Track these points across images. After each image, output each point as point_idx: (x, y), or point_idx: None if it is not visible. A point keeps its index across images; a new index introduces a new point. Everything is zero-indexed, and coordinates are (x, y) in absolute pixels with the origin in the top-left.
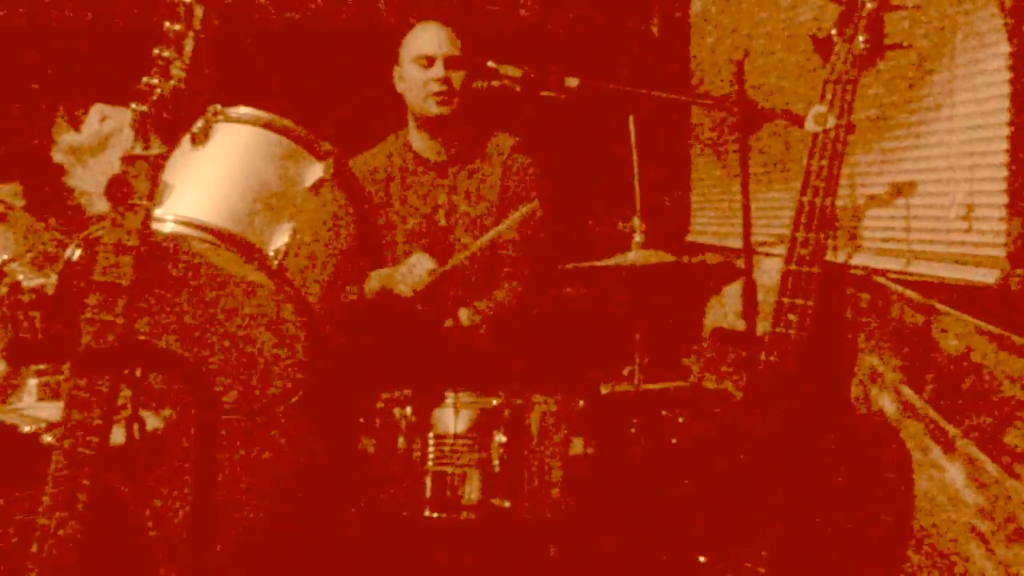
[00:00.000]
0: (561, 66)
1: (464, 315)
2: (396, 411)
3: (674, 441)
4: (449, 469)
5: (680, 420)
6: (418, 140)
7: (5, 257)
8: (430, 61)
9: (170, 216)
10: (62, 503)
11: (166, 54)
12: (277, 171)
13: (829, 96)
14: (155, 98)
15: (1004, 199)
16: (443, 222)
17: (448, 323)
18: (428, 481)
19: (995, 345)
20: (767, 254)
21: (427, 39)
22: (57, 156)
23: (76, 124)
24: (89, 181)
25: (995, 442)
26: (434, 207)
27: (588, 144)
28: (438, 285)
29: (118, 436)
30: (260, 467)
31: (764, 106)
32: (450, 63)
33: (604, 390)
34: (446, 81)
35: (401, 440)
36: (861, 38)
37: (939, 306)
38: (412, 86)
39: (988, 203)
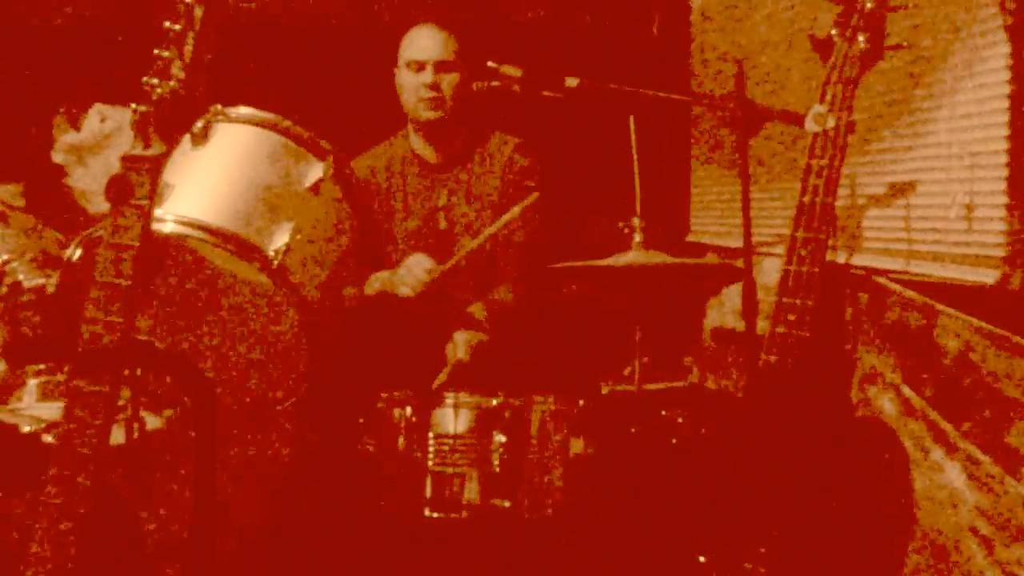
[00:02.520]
0: (561, 66)
1: (462, 344)
2: (396, 411)
3: (674, 441)
4: (449, 469)
5: (680, 420)
6: (417, 142)
7: (5, 257)
8: (420, 66)
9: (170, 216)
10: (62, 503)
11: (166, 54)
12: (277, 171)
13: (829, 96)
14: (155, 98)
15: (1004, 199)
16: (443, 224)
17: (450, 359)
18: (428, 481)
19: (995, 345)
20: (767, 254)
21: (419, 44)
22: (57, 156)
23: (76, 124)
24: (89, 181)
25: (995, 442)
26: (434, 209)
27: (588, 144)
28: (440, 285)
29: (118, 436)
30: (260, 467)
31: (764, 106)
32: (441, 67)
33: (604, 390)
34: (435, 87)
35: (401, 440)
36: (861, 38)
37: (939, 306)
38: (405, 90)
39: (988, 203)
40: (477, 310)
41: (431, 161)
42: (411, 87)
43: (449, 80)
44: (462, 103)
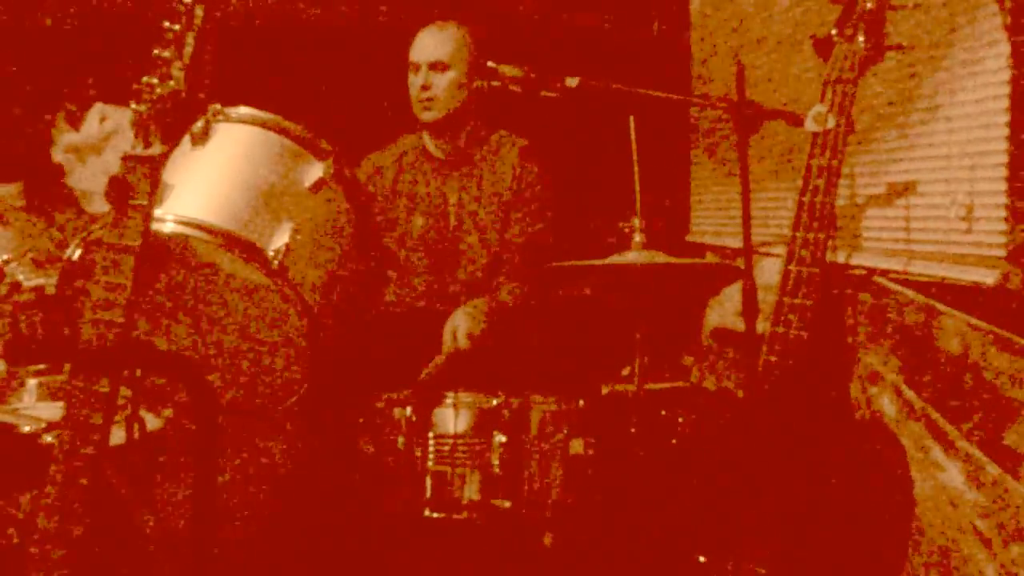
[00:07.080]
0: (561, 66)
1: (463, 328)
2: (396, 411)
3: (674, 441)
4: (449, 469)
5: (680, 420)
6: (428, 140)
7: (5, 257)
8: (416, 67)
9: (170, 216)
10: (62, 503)
11: (166, 54)
12: (277, 171)
13: (829, 96)
14: (155, 98)
15: (1004, 199)
16: (453, 221)
17: (447, 346)
18: (428, 481)
19: (995, 345)
20: (767, 254)
21: (417, 45)
22: (57, 156)
23: (76, 124)
24: (89, 181)
25: (995, 442)
26: (444, 206)
27: (588, 144)
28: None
29: (118, 436)
30: (260, 467)
31: (764, 106)
32: (433, 68)
33: (604, 390)
34: (426, 87)
35: (401, 440)
36: (861, 38)
37: (939, 306)
38: (410, 91)
39: (988, 203)
40: (480, 303)
41: (442, 158)
42: (411, 88)
43: (442, 80)
44: (462, 102)
